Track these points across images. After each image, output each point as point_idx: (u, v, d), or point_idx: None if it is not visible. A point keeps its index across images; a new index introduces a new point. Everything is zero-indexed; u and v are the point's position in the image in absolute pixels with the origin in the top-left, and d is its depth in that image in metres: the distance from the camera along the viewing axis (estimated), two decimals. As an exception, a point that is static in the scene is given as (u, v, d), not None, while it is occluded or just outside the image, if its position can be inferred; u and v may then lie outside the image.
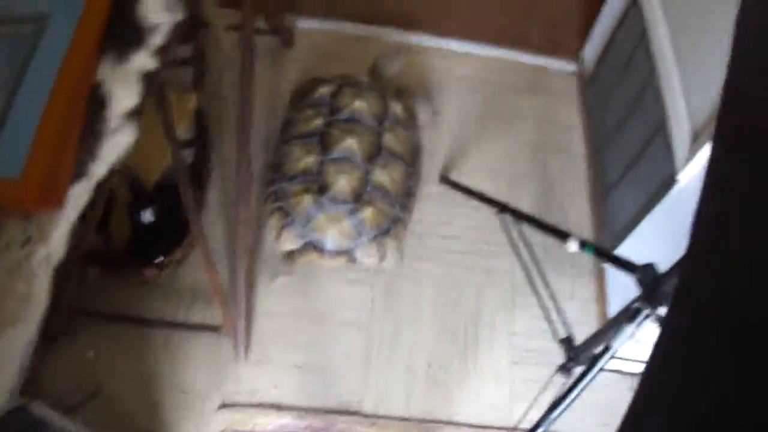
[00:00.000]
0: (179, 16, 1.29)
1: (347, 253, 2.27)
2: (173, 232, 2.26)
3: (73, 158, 1.10)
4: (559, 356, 1.87)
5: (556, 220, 2.31)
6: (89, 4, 1.14)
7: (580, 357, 1.78)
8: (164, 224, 2.26)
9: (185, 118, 2.31)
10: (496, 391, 2.30)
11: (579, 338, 1.84)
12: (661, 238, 2.03)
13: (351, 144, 2.28)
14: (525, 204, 2.60)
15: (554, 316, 2.01)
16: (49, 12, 1.14)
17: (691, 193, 1.78)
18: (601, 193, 2.57)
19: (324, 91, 2.43)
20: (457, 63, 3.01)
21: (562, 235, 1.94)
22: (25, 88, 1.07)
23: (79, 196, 1.15)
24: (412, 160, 2.43)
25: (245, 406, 2.17)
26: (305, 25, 2.99)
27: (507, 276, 2.48)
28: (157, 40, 1.25)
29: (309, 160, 2.28)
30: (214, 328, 2.23)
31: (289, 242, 2.27)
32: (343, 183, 2.22)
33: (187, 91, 2.33)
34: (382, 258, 2.28)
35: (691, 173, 1.83)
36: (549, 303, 2.06)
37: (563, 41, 3.08)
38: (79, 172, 1.12)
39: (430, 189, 2.61)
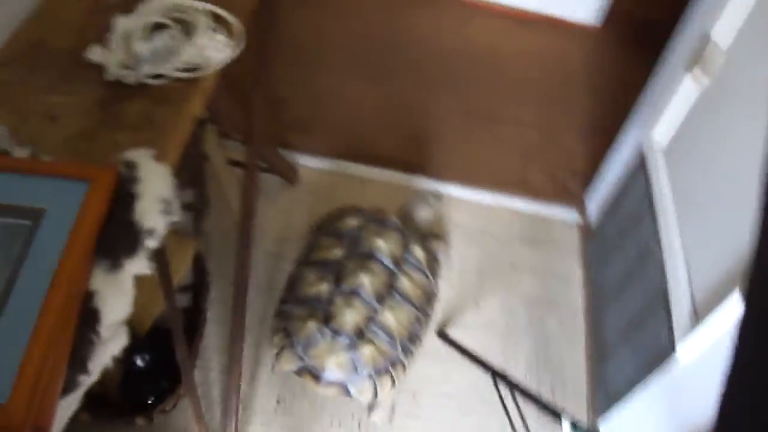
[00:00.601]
0: (175, 218, 1.28)
1: (341, 386, 2.24)
2: (166, 377, 2.23)
3: (62, 376, 1.06)
4: None
5: (552, 376, 2.29)
6: (86, 205, 1.13)
7: None
8: (157, 369, 2.25)
9: (184, 265, 2.27)
10: None
11: None
12: (655, 413, 2.00)
13: (363, 281, 2.26)
14: (522, 358, 2.59)
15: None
16: (46, 209, 1.13)
17: (690, 373, 1.76)
18: (599, 352, 2.54)
19: (352, 223, 2.45)
20: (458, 209, 3.02)
21: (554, 413, 1.92)
22: (17, 293, 1.05)
23: (68, 406, 1.12)
24: (423, 305, 2.39)
25: None
26: (308, 162, 3.02)
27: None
28: (152, 244, 1.23)
29: (321, 288, 2.28)
30: None
31: (288, 363, 2.24)
32: (348, 317, 2.21)
33: (187, 236, 2.30)
34: (375, 395, 2.25)
35: (691, 353, 1.80)
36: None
37: (566, 190, 3.11)
38: (68, 387, 1.09)
39: (427, 343, 2.55)
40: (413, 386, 2.51)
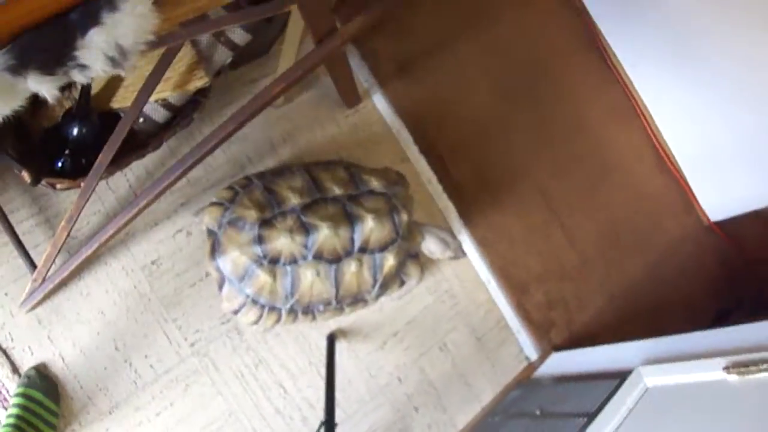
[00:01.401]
0: (120, 71, 1.20)
1: (223, 279, 2.16)
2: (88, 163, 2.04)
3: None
4: None
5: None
6: None
7: None
8: (86, 149, 2.11)
9: (179, 88, 2.16)
10: None
11: None
12: None
13: (322, 231, 2.13)
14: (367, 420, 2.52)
15: None
16: None
17: None
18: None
19: (374, 184, 2.31)
20: (455, 264, 2.76)
21: None
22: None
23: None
24: (344, 299, 2.26)
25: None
26: (377, 101, 2.81)
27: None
28: (78, 78, 1.15)
29: (291, 198, 2.17)
30: (31, 261, 2.15)
31: (211, 220, 2.19)
32: (280, 242, 2.10)
33: (208, 70, 2.10)
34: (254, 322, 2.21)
35: None
36: None
37: (551, 328, 2.86)
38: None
39: (310, 331, 2.49)
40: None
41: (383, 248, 2.22)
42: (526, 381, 2.73)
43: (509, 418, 2.48)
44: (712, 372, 1.94)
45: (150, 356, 2.26)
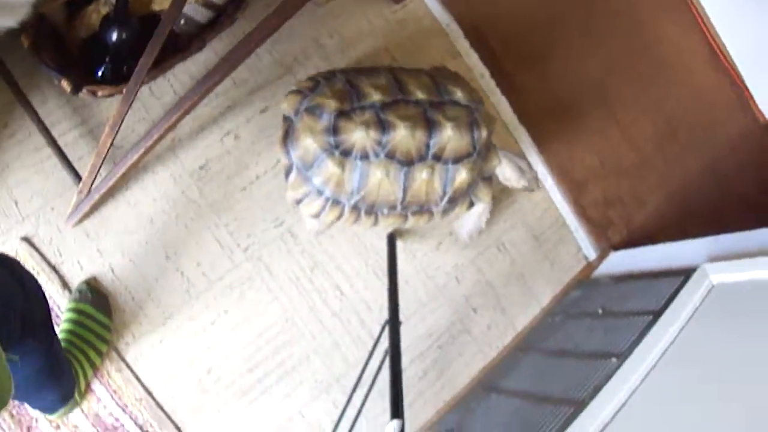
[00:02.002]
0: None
1: (291, 167, 2.14)
2: (127, 69, 2.05)
3: None
4: None
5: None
6: None
7: None
8: (127, 54, 2.08)
9: None
10: None
11: None
12: None
13: (400, 131, 2.08)
14: (429, 320, 2.53)
15: None
16: None
17: None
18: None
19: (458, 95, 2.24)
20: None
21: None
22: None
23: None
24: (426, 203, 2.24)
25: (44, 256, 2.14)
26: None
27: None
28: None
29: (374, 96, 2.11)
30: (76, 173, 2.12)
31: (290, 105, 2.15)
32: (356, 135, 2.05)
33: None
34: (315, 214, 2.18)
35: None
36: None
37: (610, 227, 2.80)
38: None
39: (368, 234, 2.46)
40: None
41: (458, 160, 2.17)
42: (586, 280, 2.69)
43: (570, 318, 2.45)
44: (784, 268, 1.86)
45: (202, 264, 2.25)
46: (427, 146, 2.12)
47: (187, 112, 1.99)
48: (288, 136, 2.12)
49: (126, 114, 1.93)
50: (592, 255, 2.82)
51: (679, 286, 2.11)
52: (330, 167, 2.05)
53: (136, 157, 2.03)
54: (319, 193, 2.11)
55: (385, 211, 2.18)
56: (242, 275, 2.28)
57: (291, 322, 2.31)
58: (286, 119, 2.14)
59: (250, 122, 2.34)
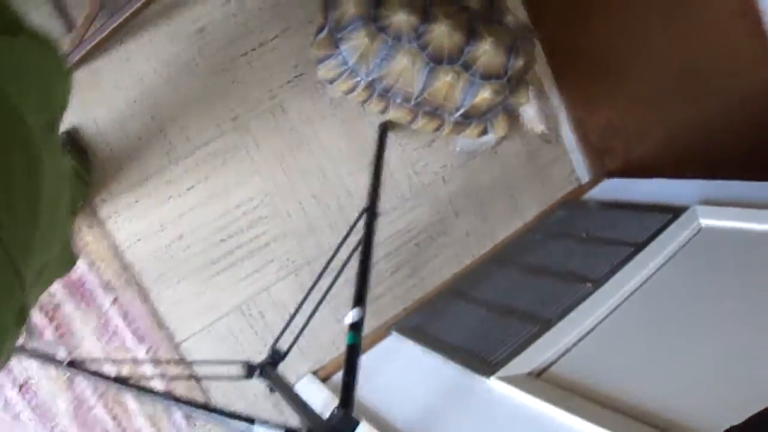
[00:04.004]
0: None
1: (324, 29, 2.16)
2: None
3: None
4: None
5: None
6: None
7: None
8: None
9: None
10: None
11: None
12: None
13: (443, 26, 2.08)
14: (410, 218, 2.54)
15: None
16: None
17: None
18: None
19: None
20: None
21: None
22: None
23: None
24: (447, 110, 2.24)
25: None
26: None
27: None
28: None
29: None
30: (68, 20, 2.07)
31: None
32: (399, 16, 2.06)
33: None
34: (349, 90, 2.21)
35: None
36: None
37: (606, 153, 2.79)
38: None
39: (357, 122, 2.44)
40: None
41: (487, 77, 2.17)
42: (574, 202, 2.69)
43: (551, 237, 2.48)
44: (777, 224, 1.88)
45: (187, 128, 2.23)
46: (461, 51, 2.11)
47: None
48: None
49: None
50: (585, 178, 2.81)
51: (666, 223, 2.13)
52: (361, 36, 2.06)
53: (132, 9, 1.99)
54: (342, 59, 2.11)
55: (399, 100, 2.18)
56: (227, 144, 2.26)
57: (269, 198, 2.31)
58: None
59: (258, -12, 2.29)
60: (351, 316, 1.65)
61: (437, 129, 2.27)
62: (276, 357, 1.95)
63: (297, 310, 2.01)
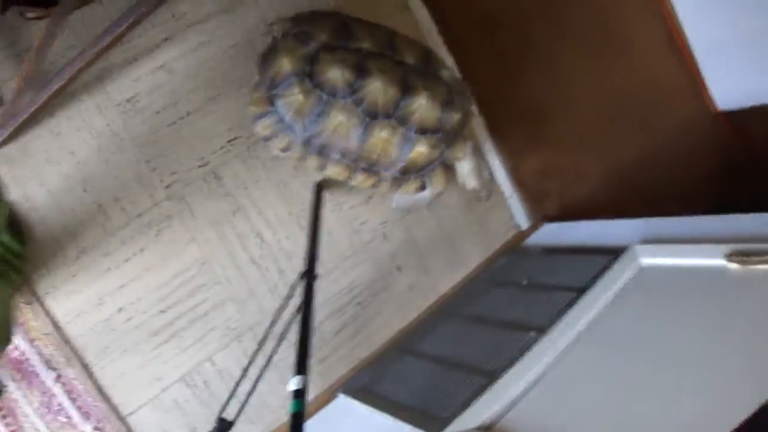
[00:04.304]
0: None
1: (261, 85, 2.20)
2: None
3: None
4: None
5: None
6: None
7: None
8: None
9: None
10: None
11: None
12: None
13: (376, 83, 2.12)
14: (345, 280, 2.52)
15: None
16: None
17: None
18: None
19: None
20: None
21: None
22: None
23: None
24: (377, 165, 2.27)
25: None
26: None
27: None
28: None
29: (365, 45, 2.19)
30: None
31: (279, 29, 2.23)
32: (333, 73, 2.11)
33: None
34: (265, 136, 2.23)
35: None
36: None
37: (545, 199, 2.81)
38: None
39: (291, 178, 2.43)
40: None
41: (422, 131, 2.20)
42: (515, 249, 2.71)
43: (495, 285, 2.48)
44: (713, 258, 1.92)
45: (121, 199, 2.22)
46: (397, 106, 2.15)
47: (117, 40, 1.95)
48: (268, 51, 2.17)
49: (54, 38, 1.88)
50: (524, 224, 2.83)
51: (607, 264, 2.15)
52: (295, 92, 2.09)
53: (61, 83, 1.98)
54: (278, 116, 2.14)
55: (336, 156, 2.20)
56: (162, 213, 2.25)
57: (208, 266, 2.30)
58: (273, 39, 2.18)
59: (186, 57, 2.30)
60: (293, 383, 1.65)
61: (375, 185, 2.27)
62: (223, 426, 1.92)
63: (242, 377, 1.99)
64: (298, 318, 1.89)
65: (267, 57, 2.16)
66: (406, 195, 2.42)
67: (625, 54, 2.66)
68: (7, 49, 2.11)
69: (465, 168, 2.42)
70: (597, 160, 2.73)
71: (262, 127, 2.17)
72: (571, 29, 2.60)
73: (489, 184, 2.52)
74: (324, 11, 2.28)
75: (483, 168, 2.48)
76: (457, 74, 2.39)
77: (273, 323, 2.00)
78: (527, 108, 2.73)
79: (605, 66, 2.65)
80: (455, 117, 2.23)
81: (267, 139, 2.18)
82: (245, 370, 2.00)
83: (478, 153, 2.45)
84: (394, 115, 2.15)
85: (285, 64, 2.09)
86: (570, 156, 2.77)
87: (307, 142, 2.16)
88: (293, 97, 2.10)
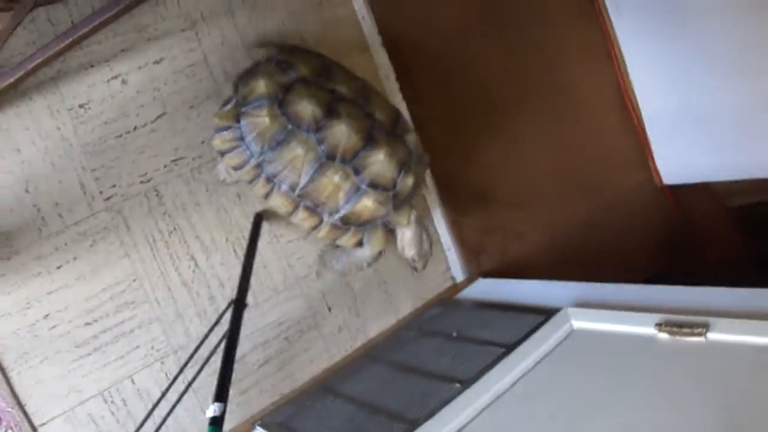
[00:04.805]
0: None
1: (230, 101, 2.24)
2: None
3: None
4: None
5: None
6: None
7: None
8: None
9: None
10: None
11: None
12: None
13: (341, 127, 2.17)
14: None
15: None
16: None
17: None
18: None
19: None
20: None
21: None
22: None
23: None
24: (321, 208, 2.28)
25: None
26: None
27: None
28: None
29: (341, 90, 2.26)
30: None
31: (265, 53, 2.32)
32: (302, 106, 2.15)
33: None
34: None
35: None
36: None
37: (483, 254, 2.84)
38: None
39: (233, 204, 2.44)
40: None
41: (374, 185, 2.22)
42: (448, 300, 2.73)
43: (423, 335, 2.49)
44: (644, 327, 1.94)
45: (61, 204, 2.20)
46: (356, 154, 2.18)
47: (75, 43, 1.98)
48: (247, 72, 2.22)
49: (12, 31, 1.88)
50: (460, 276, 2.86)
51: (539, 324, 2.17)
52: (263, 114, 2.13)
53: (13, 79, 1.98)
54: (239, 132, 2.17)
55: (284, 187, 2.21)
56: (98, 225, 2.24)
57: (139, 283, 2.28)
58: (256, 62, 2.25)
59: (142, 70, 2.30)
60: (212, 409, 1.65)
61: (314, 227, 2.29)
62: None
63: (160, 400, 1.98)
64: (223, 345, 1.88)
65: (244, 76, 2.21)
66: (344, 256, 2.45)
67: (582, 123, 2.71)
68: (-39, 36, 2.09)
69: (406, 235, 2.42)
70: (539, 221, 2.77)
71: (221, 140, 2.18)
72: (533, 94, 2.65)
73: (427, 256, 2.52)
74: (310, 49, 2.34)
75: (424, 239, 2.48)
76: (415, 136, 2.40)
77: (197, 348, 1.99)
78: (475, 164, 2.77)
79: (561, 133, 2.70)
80: (409, 181, 2.26)
81: (223, 152, 2.19)
82: (164, 393, 1.99)
83: (421, 224, 2.46)
84: (350, 162, 2.17)
85: (260, 86, 2.13)
86: (512, 215, 2.81)
87: (259, 166, 2.18)
88: (260, 119, 2.12)
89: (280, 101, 2.12)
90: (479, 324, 2.39)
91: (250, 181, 2.22)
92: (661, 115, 2.78)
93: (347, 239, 2.32)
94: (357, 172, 2.18)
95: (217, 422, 1.65)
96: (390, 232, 2.38)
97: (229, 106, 2.19)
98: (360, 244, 2.35)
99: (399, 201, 2.28)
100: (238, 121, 2.16)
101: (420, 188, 2.39)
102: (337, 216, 2.25)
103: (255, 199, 2.39)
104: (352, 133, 2.14)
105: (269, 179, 2.19)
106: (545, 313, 2.21)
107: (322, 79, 2.21)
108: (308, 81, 2.16)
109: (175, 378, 1.98)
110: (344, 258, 2.47)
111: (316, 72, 2.21)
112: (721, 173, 2.64)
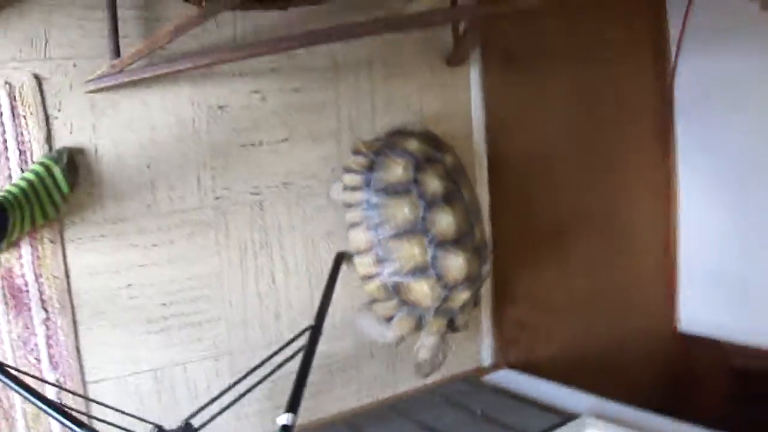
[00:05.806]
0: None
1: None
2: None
3: None
4: None
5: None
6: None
7: None
8: None
9: None
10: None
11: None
12: None
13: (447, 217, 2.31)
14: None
15: None
16: None
17: None
18: None
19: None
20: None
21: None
22: None
23: None
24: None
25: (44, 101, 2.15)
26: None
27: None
28: None
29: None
30: (117, 47, 2.15)
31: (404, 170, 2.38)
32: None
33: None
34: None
35: None
36: None
37: (511, 350, 2.98)
38: None
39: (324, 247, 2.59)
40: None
41: (438, 277, 2.33)
42: (476, 379, 2.84)
43: (449, 404, 2.61)
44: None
45: (175, 189, 2.32)
46: (456, 239, 2.35)
47: (250, 55, 2.11)
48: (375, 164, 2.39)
49: (199, 24, 2.04)
50: (487, 361, 3.00)
51: (558, 423, 2.31)
52: (398, 169, 2.30)
53: (179, 67, 2.11)
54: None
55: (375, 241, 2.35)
56: (202, 218, 2.36)
57: (219, 282, 2.40)
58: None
59: (282, 93, 2.45)
60: (284, 418, 1.77)
61: (369, 277, 2.40)
62: (189, 430, 1.98)
63: (225, 391, 2.04)
64: (284, 362, 2.01)
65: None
66: (370, 322, 2.52)
67: (624, 254, 2.89)
68: (142, 9, 2.22)
69: (429, 340, 2.49)
70: (570, 332, 2.93)
71: (346, 192, 2.40)
72: (592, 215, 2.83)
73: (436, 367, 2.58)
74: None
75: (441, 352, 2.54)
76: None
77: (269, 358, 2.07)
78: (530, 267, 2.92)
79: (603, 256, 2.86)
80: (464, 296, 2.39)
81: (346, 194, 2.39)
82: (231, 385, 2.06)
83: (445, 339, 2.53)
84: (445, 245, 2.32)
85: (398, 169, 2.32)
86: (547, 319, 2.95)
87: (368, 211, 2.34)
88: (393, 172, 2.32)
89: (415, 181, 2.31)
90: (502, 410, 2.51)
91: (355, 223, 2.37)
92: (697, 269, 2.96)
93: (383, 308, 2.42)
94: (434, 259, 2.31)
95: (287, 430, 1.77)
96: (418, 328, 2.45)
97: (354, 177, 2.39)
98: (389, 320, 2.43)
99: (443, 308, 2.39)
100: (369, 180, 2.33)
101: (467, 308, 2.50)
102: (394, 278, 2.35)
103: (342, 239, 2.54)
104: (453, 225, 2.29)
105: (371, 228, 2.34)
106: (564, 415, 2.36)
107: (455, 181, 2.41)
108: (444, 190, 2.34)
109: (242, 379, 2.03)
110: (368, 324, 2.55)
111: (445, 173, 2.40)
112: (737, 335, 2.81)
